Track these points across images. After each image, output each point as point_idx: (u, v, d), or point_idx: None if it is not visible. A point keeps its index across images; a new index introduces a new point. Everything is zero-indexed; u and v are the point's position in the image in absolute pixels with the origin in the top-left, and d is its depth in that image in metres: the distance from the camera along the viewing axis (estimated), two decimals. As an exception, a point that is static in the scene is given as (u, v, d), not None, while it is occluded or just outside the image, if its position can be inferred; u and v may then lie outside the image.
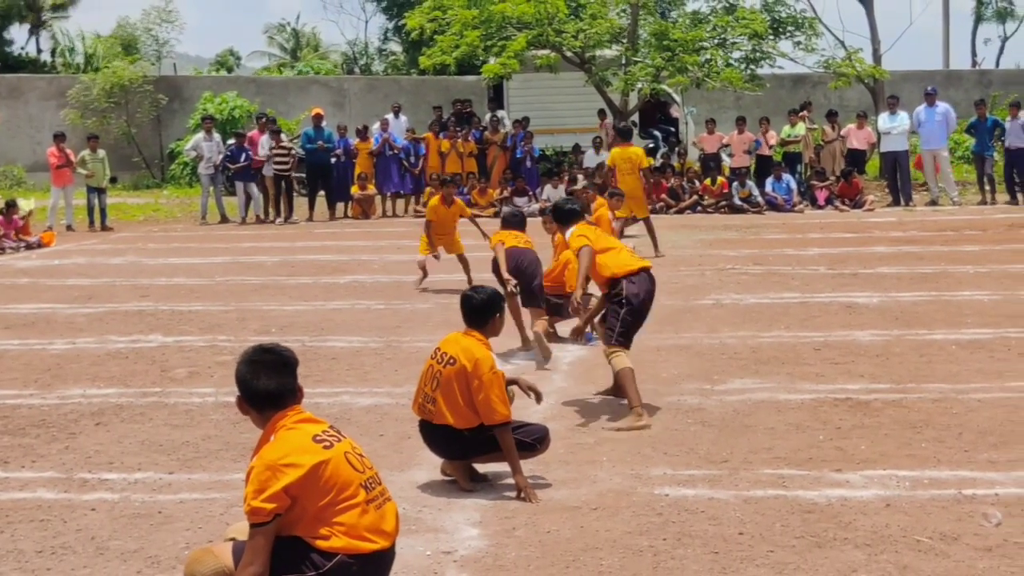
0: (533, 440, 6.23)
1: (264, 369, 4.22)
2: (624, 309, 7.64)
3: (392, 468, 6.47)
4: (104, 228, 21.00)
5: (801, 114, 23.47)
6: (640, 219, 15.94)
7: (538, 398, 6.52)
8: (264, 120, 23.21)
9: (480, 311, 6.32)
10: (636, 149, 16.26)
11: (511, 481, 6.15)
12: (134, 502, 6.16)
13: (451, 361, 6.12)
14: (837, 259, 14.67)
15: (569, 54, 23.70)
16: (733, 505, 5.84)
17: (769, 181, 21.99)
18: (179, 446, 7.19)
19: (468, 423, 6.10)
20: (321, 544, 4.02)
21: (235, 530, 4.33)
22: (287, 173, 22.08)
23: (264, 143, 22.19)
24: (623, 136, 16.26)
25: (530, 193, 22.51)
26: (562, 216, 8.12)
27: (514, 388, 6.39)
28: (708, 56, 23.94)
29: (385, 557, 4.18)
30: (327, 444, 4.14)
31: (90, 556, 5.40)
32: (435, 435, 6.21)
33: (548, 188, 22.44)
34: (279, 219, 21.92)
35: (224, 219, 22.16)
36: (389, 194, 23.30)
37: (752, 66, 24.03)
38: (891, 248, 15.62)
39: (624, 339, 7.68)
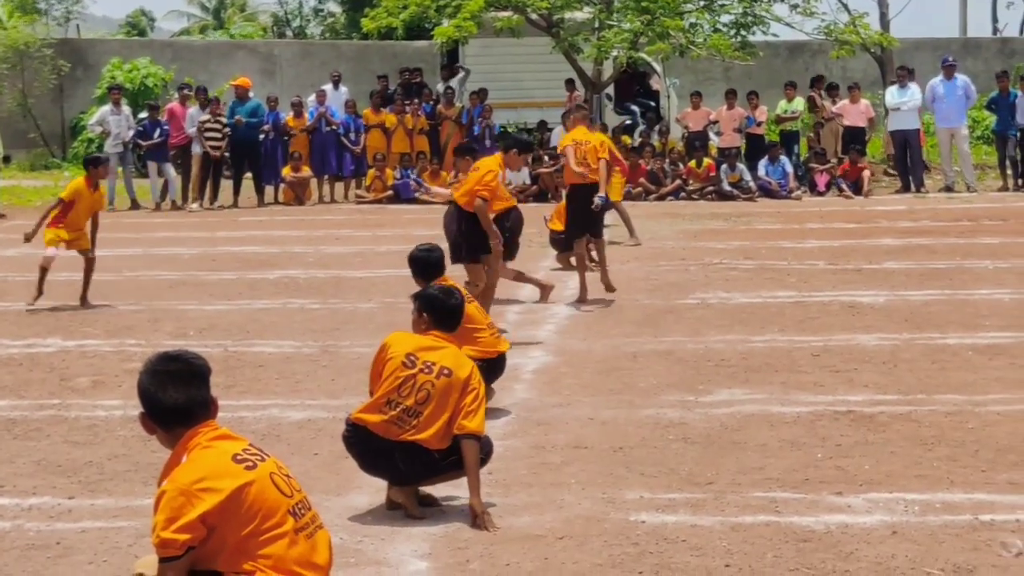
0: (483, 454, 6.26)
1: (171, 380, 4.19)
2: None
3: (327, 492, 6.45)
4: (-5, 214, 20.81)
5: (812, 93, 23.54)
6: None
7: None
8: (186, 90, 23.06)
9: (459, 315, 6.56)
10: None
11: (462, 505, 6.15)
12: (28, 531, 6.10)
13: (445, 372, 6.17)
14: (839, 253, 14.79)
15: (534, 16, 23.71)
16: (719, 533, 5.88)
17: (763, 163, 22.12)
18: (81, 467, 7.13)
19: (443, 442, 6.16)
20: None
21: (144, 564, 4.29)
22: (220, 152, 21.91)
23: (193, 116, 22.03)
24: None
25: (489, 176, 22.47)
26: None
27: None
28: (693, 20, 24.01)
29: (316, 594, 4.16)
30: (249, 464, 4.11)
31: (-25, 595, 5.36)
32: (394, 455, 6.16)
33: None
34: (196, 204, 21.78)
35: (135, 205, 22.00)
36: (326, 177, 23.21)
37: (743, 32, 24.12)
38: (899, 240, 15.78)
39: None
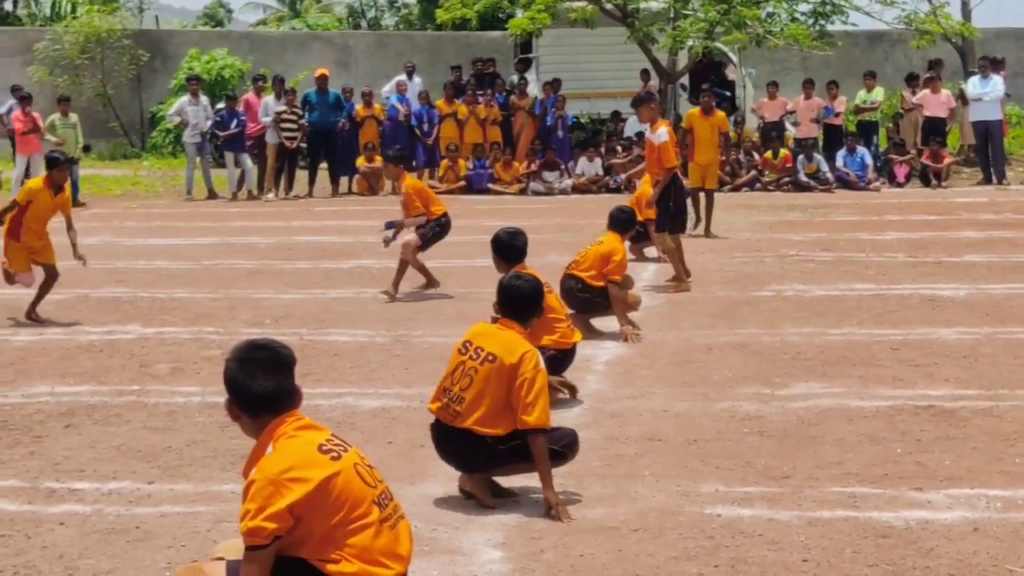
0: (562, 447, 6.21)
1: (259, 368, 4.23)
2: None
3: (402, 480, 6.48)
4: (76, 204, 21.02)
5: (928, 77, 23.11)
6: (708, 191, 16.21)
7: (572, 392, 6.45)
8: (261, 81, 23.28)
9: (524, 301, 6.37)
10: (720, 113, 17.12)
11: (537, 496, 6.15)
12: (108, 515, 6.18)
13: (489, 358, 6.12)
14: (918, 245, 14.60)
15: (609, 6, 23.65)
16: (796, 528, 5.82)
17: (841, 154, 21.90)
18: (160, 452, 7.22)
19: (496, 428, 6.11)
20: (331, 569, 4.02)
21: (223, 549, 4.34)
22: (295, 143, 22.10)
23: (269, 105, 22.24)
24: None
25: (562, 167, 22.49)
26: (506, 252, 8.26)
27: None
28: (770, 9, 23.83)
29: (399, 585, 4.19)
30: (335, 455, 4.14)
31: (57, 577, 5.44)
32: (454, 442, 6.21)
33: (583, 161, 22.43)
34: (271, 194, 21.97)
35: (212, 194, 22.25)
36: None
37: (821, 21, 23.90)
38: (981, 233, 15.53)
39: None
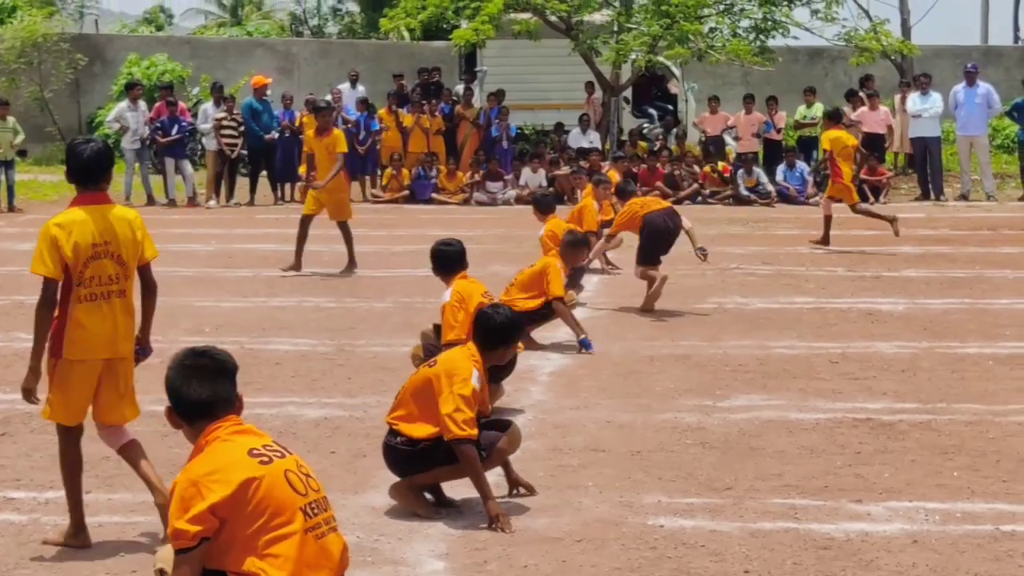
0: (482, 447, 6.21)
1: (196, 375, 4.22)
2: None
3: (345, 490, 6.45)
4: (11, 209, 20.83)
5: (869, 93, 23.29)
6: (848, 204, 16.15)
7: (529, 490, 6.47)
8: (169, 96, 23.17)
9: (491, 333, 6.39)
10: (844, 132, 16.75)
11: (480, 506, 6.13)
12: (45, 525, 6.12)
13: (432, 364, 6.29)
14: (857, 260, 14.75)
15: (553, 19, 23.72)
16: (737, 539, 5.86)
17: (781, 168, 22.09)
18: (97, 461, 7.13)
19: (416, 428, 6.18)
20: None
21: (163, 559, 4.29)
22: (235, 151, 22.00)
23: (208, 112, 22.13)
24: (833, 119, 16.87)
25: (505, 178, 22.51)
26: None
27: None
28: (712, 24, 24.00)
29: (328, 598, 4.15)
30: (264, 459, 4.11)
31: (-8, 587, 5.37)
32: (386, 445, 6.33)
33: (526, 172, 22.47)
34: (212, 201, 21.84)
35: (151, 201, 22.03)
36: (341, 175, 23.18)
37: (762, 37, 24.09)
38: (919, 248, 15.72)
39: None
